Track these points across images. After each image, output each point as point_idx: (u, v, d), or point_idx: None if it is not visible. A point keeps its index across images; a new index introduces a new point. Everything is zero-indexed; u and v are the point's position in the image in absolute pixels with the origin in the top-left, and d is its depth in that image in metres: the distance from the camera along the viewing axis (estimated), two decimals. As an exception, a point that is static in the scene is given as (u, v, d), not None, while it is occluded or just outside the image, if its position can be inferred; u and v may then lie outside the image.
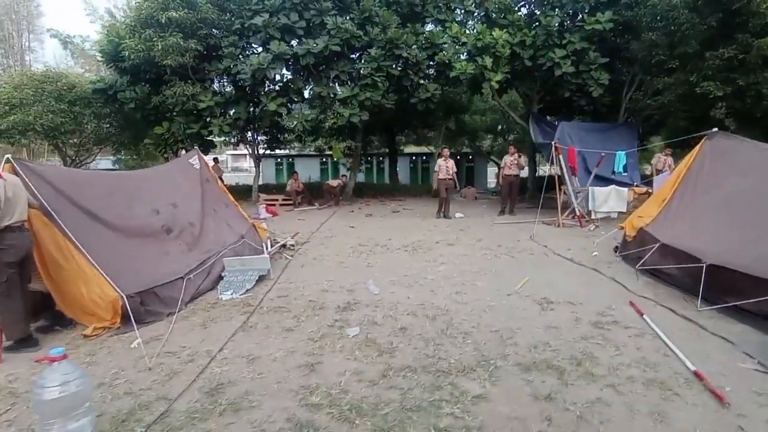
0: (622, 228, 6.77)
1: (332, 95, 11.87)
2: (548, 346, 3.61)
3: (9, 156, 3.94)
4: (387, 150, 21.31)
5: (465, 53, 12.16)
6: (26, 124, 11.87)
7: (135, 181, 5.99)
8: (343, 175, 15.47)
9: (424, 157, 27.18)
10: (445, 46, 11.94)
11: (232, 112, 12.84)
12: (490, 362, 3.34)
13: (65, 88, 13.04)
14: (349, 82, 12.28)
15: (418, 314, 4.39)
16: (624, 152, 10.43)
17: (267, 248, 6.82)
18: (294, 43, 12.15)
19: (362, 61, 11.80)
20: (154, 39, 10.90)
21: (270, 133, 15.31)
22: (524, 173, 14.90)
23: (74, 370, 2.52)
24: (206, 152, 15.47)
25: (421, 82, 12.37)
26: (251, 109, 13.08)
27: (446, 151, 11.15)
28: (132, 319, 3.83)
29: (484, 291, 5.11)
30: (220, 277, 5.42)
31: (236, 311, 4.56)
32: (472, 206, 13.60)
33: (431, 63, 12.43)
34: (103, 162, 23.20)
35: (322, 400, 2.86)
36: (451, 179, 10.77)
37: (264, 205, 11.73)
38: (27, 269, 3.81)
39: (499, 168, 24.24)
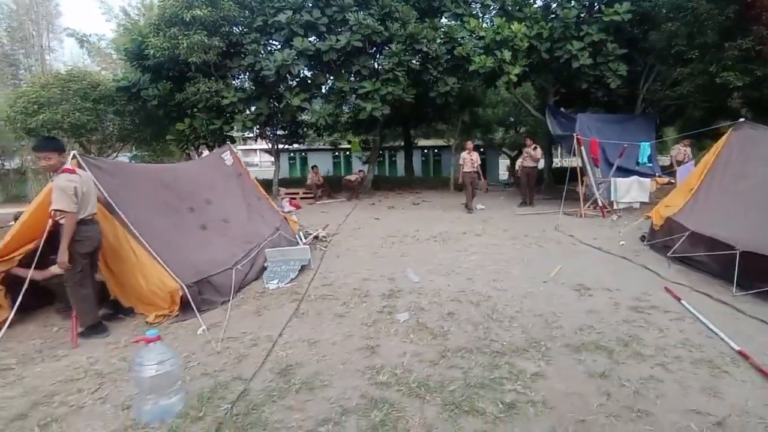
0: (649, 217, 6.90)
1: (353, 89, 12.00)
2: (593, 329, 3.77)
3: (75, 152, 4.16)
4: (402, 143, 21.43)
5: (483, 47, 12.23)
6: (54, 123, 12.17)
7: (173, 175, 6.18)
8: (361, 170, 15.65)
9: (435, 150, 27.33)
10: (464, 40, 12.03)
11: (253, 108, 13.03)
12: (540, 344, 3.51)
13: (89, 86, 13.33)
14: (368, 76, 12.39)
15: (461, 300, 4.57)
16: (648, 143, 10.51)
17: (301, 240, 7.03)
18: (312, 38, 12.31)
19: (382, 56, 11.95)
20: (179, 37, 11.11)
21: (288, 128, 15.52)
22: (540, 165, 14.99)
23: (167, 351, 2.74)
24: (226, 148, 15.73)
25: (440, 76, 12.47)
26: (272, 104, 13.27)
27: (470, 144, 11.13)
28: (194, 307, 4.05)
29: (519, 279, 5.28)
30: (264, 268, 5.63)
31: (285, 299, 4.77)
32: (488, 198, 13.70)
33: (449, 57, 12.54)
34: (120, 158, 23.58)
35: (389, 379, 3.05)
36: (475, 172, 10.82)
37: (288, 199, 11.95)
38: (96, 260, 4.03)
39: (512, 160, 24.40)
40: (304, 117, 14.44)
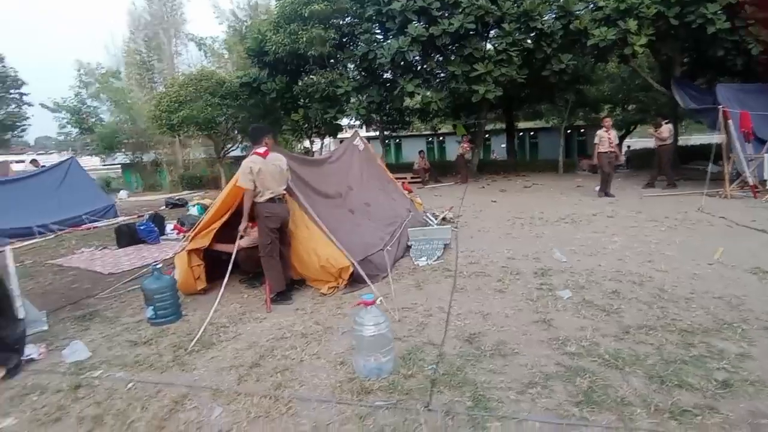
0: (823, 196, 6.16)
1: (465, 73, 11.91)
2: (791, 313, 3.52)
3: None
4: (504, 126, 20.93)
5: (603, 18, 11.47)
6: (191, 119, 13.65)
7: (321, 164, 6.65)
8: (466, 135, 15.15)
9: (531, 133, 26.30)
10: (581, 12, 11.39)
11: (364, 96, 13.51)
12: (733, 325, 3.34)
13: (217, 84, 14.70)
14: (480, 59, 12.23)
15: (621, 280, 4.47)
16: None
17: (432, 221, 7.25)
18: (416, 24, 12.37)
19: (494, 37, 11.73)
20: (299, 32, 11.83)
21: (394, 115, 15.86)
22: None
23: (382, 314, 3.03)
24: (335, 136, 16.54)
25: (554, 53, 11.94)
26: (383, 92, 13.66)
27: (608, 122, 9.97)
28: (368, 281, 4.40)
29: (678, 260, 5.02)
30: (408, 246, 5.92)
31: (439, 275, 4.99)
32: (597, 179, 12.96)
33: (564, 32, 11.94)
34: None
35: (578, 350, 3.10)
36: (613, 153, 9.77)
37: (400, 183, 12.27)
38: (285, 235, 4.55)
39: (619, 140, 22.76)
40: (410, 103, 14.64)
